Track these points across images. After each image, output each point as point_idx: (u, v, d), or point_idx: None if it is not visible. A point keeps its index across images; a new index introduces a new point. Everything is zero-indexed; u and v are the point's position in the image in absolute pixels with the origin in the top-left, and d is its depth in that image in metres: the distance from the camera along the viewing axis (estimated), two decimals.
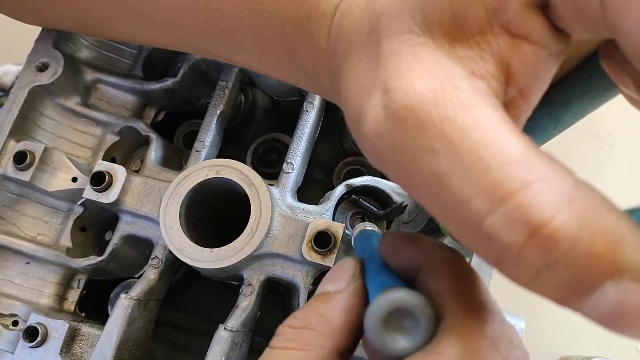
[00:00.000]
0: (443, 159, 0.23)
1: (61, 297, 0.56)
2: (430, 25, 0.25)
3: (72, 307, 0.57)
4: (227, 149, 0.66)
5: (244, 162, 0.65)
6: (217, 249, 0.47)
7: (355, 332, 0.31)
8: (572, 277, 0.21)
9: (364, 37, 0.29)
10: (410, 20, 0.26)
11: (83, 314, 0.57)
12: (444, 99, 0.23)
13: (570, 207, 0.21)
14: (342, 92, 0.30)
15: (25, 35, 0.60)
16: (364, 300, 0.31)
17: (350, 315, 0.31)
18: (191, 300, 0.64)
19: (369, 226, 0.50)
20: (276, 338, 0.30)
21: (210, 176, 0.49)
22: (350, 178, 0.55)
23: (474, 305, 0.27)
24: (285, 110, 0.66)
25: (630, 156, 0.87)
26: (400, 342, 0.27)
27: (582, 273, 0.20)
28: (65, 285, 0.56)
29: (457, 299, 0.27)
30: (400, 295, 0.27)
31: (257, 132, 0.68)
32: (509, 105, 0.25)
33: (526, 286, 0.22)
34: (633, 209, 0.23)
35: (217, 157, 0.58)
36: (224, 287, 0.60)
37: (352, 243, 0.48)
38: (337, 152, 0.67)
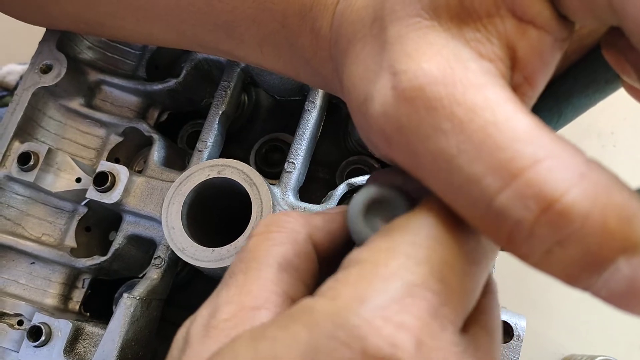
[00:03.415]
0: (452, 138, 0.23)
1: (66, 297, 0.57)
2: (437, 9, 0.26)
3: (77, 307, 0.57)
4: (231, 148, 0.66)
5: (248, 161, 0.65)
6: (219, 248, 0.47)
7: (336, 244, 0.32)
8: (584, 253, 0.21)
9: (368, 24, 0.29)
10: (416, 4, 0.26)
11: (88, 314, 0.58)
12: (453, 79, 0.24)
13: (582, 183, 0.21)
14: (345, 79, 0.30)
15: (29, 34, 0.61)
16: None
17: (331, 224, 0.32)
18: (196, 299, 0.64)
19: None
20: (258, 225, 0.31)
21: (211, 176, 0.49)
22: (353, 177, 0.55)
23: None
24: (288, 110, 0.66)
25: (633, 155, 0.86)
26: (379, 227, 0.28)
27: (594, 249, 0.21)
28: (70, 285, 0.57)
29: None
30: (378, 188, 0.28)
31: (261, 131, 0.68)
32: (515, 91, 0.26)
33: (537, 265, 0.22)
34: None
35: (220, 156, 0.58)
36: None
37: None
38: (341, 151, 0.67)
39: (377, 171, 0.34)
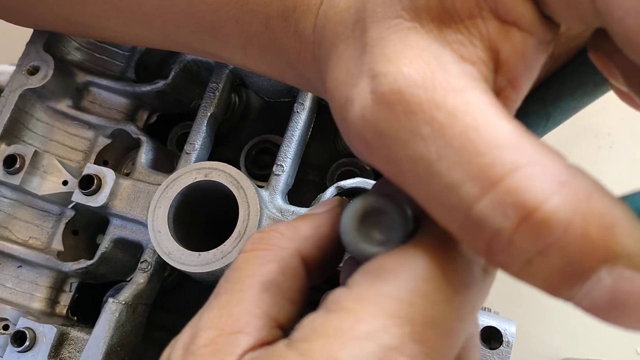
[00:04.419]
0: (431, 143, 0.22)
1: (53, 301, 0.56)
2: (418, 10, 0.25)
3: (64, 311, 0.57)
4: (221, 149, 0.65)
5: (238, 163, 0.65)
6: (205, 252, 0.47)
7: (327, 249, 0.31)
8: (565, 263, 0.20)
9: (351, 26, 0.28)
10: (397, 5, 0.25)
11: (75, 318, 0.57)
12: (433, 82, 0.23)
13: (563, 191, 0.20)
14: (328, 81, 0.30)
15: (21, 35, 0.60)
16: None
17: (320, 230, 0.31)
18: (183, 303, 0.64)
19: None
20: (247, 243, 0.31)
21: (198, 179, 0.49)
22: (344, 179, 0.54)
23: None
24: (277, 112, 0.65)
25: (630, 156, 0.85)
26: (374, 240, 0.27)
27: (576, 259, 0.20)
28: (57, 288, 0.56)
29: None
30: (376, 198, 0.27)
31: (252, 133, 0.68)
32: (498, 94, 0.25)
33: (517, 275, 0.22)
34: (627, 195, 0.22)
35: (210, 158, 0.58)
36: None
37: None
38: (331, 153, 0.66)
39: (381, 180, 0.33)
